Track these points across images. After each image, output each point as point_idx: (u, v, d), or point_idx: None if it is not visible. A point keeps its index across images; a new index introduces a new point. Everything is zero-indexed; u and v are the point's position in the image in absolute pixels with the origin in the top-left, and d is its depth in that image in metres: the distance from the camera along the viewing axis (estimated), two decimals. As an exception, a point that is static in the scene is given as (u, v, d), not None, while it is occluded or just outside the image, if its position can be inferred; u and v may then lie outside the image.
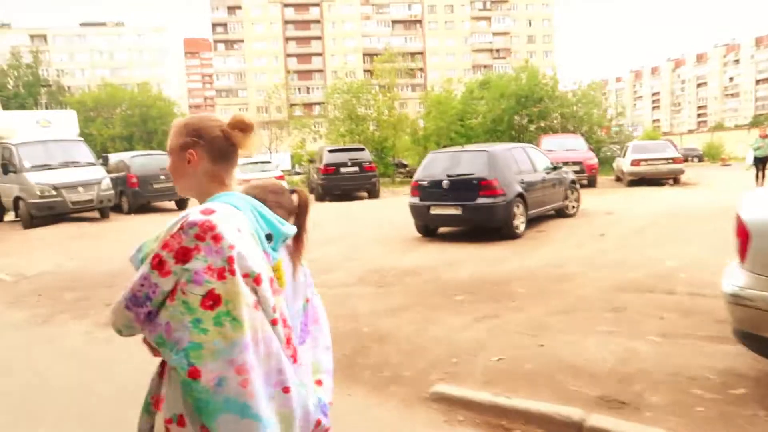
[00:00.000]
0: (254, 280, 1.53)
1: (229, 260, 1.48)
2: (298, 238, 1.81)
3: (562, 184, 11.74)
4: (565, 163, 13.93)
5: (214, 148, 1.69)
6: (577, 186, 12.47)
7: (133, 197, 17.04)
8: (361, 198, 20.01)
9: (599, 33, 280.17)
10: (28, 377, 4.85)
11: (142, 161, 17.78)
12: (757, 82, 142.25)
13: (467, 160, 10.05)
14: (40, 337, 6.05)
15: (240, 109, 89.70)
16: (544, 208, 10.97)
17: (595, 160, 20.13)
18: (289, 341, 1.63)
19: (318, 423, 1.71)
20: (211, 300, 1.46)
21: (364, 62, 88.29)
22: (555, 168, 11.60)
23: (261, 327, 1.53)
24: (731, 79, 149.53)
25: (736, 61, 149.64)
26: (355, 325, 5.60)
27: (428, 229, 10.61)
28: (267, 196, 1.87)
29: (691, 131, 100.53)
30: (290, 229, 1.74)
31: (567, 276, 7.04)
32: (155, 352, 1.59)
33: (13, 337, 6.09)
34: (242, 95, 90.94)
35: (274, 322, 1.57)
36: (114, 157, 19.12)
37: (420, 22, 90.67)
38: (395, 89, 27.69)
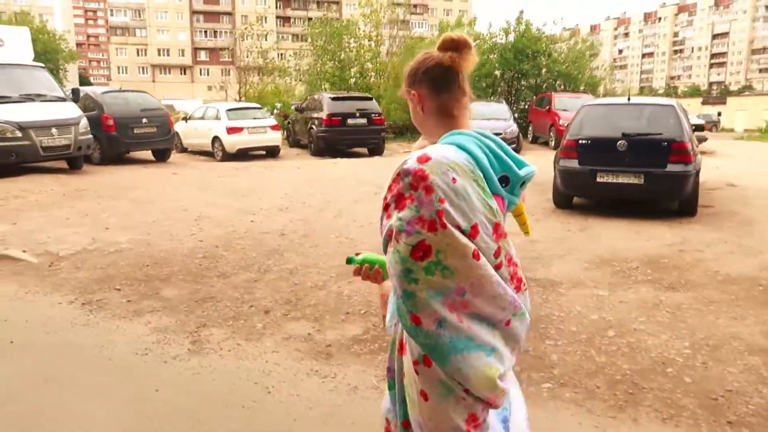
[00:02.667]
0: (469, 235, 1.38)
1: (439, 213, 1.35)
2: None
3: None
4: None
5: (433, 80, 1.53)
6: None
7: (109, 144, 13.27)
8: (359, 155, 17.45)
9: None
10: None
11: (117, 99, 13.99)
12: (643, 55, 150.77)
13: (646, 116, 8.00)
14: (231, 382, 3.49)
15: (138, 50, 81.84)
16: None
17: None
18: (513, 277, 1.51)
19: None
20: (422, 251, 1.35)
21: (277, 7, 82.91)
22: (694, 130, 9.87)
23: (482, 274, 1.39)
24: (620, 51, 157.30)
25: (626, 35, 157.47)
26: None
27: (570, 200, 8.55)
28: None
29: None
30: (530, 170, 1.52)
31: None
32: None
33: (186, 383, 3.44)
34: (141, 34, 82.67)
35: (498, 266, 1.45)
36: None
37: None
38: (380, 34, 24.97)
